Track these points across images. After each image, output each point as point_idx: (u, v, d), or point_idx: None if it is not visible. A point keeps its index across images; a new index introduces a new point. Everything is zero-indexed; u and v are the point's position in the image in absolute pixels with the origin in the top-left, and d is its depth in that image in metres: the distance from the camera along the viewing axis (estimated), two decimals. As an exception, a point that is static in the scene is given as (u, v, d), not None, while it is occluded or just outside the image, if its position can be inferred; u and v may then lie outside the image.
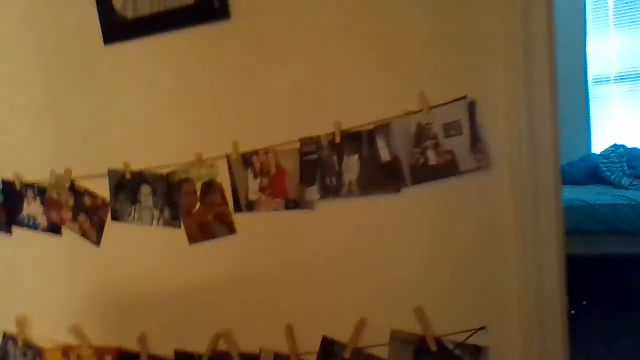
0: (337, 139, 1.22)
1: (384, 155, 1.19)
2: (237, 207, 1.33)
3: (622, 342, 2.47)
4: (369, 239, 1.24)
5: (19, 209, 1.60)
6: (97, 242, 1.51)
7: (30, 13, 1.48)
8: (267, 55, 1.25)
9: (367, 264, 1.25)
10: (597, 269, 2.96)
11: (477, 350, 1.21)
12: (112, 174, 1.45)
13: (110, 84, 1.41)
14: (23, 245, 1.63)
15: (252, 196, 1.31)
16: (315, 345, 1.31)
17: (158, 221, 1.42)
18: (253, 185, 1.30)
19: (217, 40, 1.28)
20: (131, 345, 1.52)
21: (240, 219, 1.34)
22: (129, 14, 1.31)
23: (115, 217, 1.47)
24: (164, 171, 1.39)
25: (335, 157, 1.23)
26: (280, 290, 1.34)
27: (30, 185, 1.57)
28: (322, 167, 1.24)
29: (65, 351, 1.60)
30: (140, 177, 1.41)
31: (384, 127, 1.19)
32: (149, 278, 1.49)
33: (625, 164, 3.20)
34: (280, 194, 1.28)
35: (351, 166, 1.22)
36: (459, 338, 1.22)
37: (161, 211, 1.41)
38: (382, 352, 1.27)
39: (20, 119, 1.56)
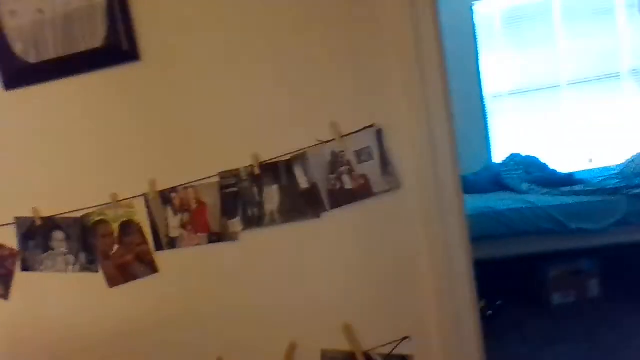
0: (257, 171, 1.25)
1: (303, 183, 1.25)
2: (158, 246, 1.31)
3: (534, 337, 2.70)
4: (293, 265, 1.28)
5: None
6: (5, 295, 1.41)
7: None
8: (179, 93, 1.27)
9: (292, 289, 1.29)
10: (509, 270, 3.21)
11: (404, 359, 1.29)
12: (20, 221, 1.37)
13: (15, 129, 1.35)
14: None
15: (174, 233, 1.30)
16: (248, 375, 1.32)
17: (74, 267, 1.36)
18: (174, 222, 1.30)
19: (128, 81, 1.27)
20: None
21: (162, 258, 1.32)
22: (32, 58, 1.27)
23: (25, 268, 1.38)
24: (78, 214, 1.34)
25: (255, 189, 1.26)
26: (209, 324, 1.33)
27: None
28: (243, 199, 1.27)
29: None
30: (51, 223, 1.35)
31: (300, 157, 1.24)
32: (66, 327, 1.41)
33: (522, 171, 3.52)
34: (203, 228, 1.29)
35: (272, 196, 1.26)
36: (386, 350, 1.28)
37: (76, 256, 1.36)
38: (315, 372, 1.30)
39: None
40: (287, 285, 1.29)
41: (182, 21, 1.24)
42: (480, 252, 2.99)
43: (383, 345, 1.28)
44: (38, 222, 1.35)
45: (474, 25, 3.99)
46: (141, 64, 1.26)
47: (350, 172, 1.23)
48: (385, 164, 1.23)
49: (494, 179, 3.55)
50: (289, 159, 1.24)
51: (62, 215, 1.35)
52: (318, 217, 1.25)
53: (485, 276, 2.88)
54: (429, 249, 1.25)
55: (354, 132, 1.22)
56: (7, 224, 1.38)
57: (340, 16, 1.21)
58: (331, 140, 1.23)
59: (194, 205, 1.28)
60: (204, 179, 1.27)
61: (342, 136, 1.23)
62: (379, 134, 1.22)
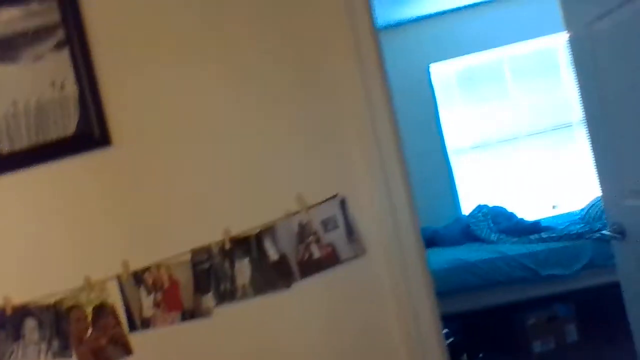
0: (227, 245, 1.30)
1: (272, 254, 1.29)
2: (132, 327, 1.32)
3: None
4: (266, 338, 1.30)
5: None
6: (-27, 390, 1.37)
7: None
8: (149, 173, 1.33)
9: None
10: (487, 322, 3.24)
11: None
12: (-11, 312, 1.36)
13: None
14: None
15: (147, 313, 1.31)
16: None
17: (46, 354, 1.35)
18: (147, 302, 1.31)
19: (100, 165, 1.32)
20: None
21: (136, 339, 1.32)
22: (5, 148, 1.32)
23: (-4, 359, 1.36)
24: (51, 300, 1.34)
25: (227, 263, 1.30)
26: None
27: None
28: (215, 274, 1.30)
29: None
30: (23, 311, 1.34)
31: (269, 229, 1.30)
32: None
33: (490, 221, 3.64)
34: (176, 306, 1.31)
35: (243, 270, 1.30)
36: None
37: (49, 343, 1.34)
38: None
39: None
40: (258, 356, 1.30)
41: (149, 106, 1.32)
42: (456, 305, 3.05)
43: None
44: (9, 311, 1.35)
45: (432, 85, 4.24)
46: (112, 148, 1.32)
47: (317, 241, 1.29)
48: (350, 231, 1.29)
49: (464, 231, 3.65)
50: (258, 232, 1.30)
51: (34, 303, 1.35)
52: (289, 287, 1.29)
53: (465, 330, 2.92)
54: (397, 311, 1.29)
55: (319, 203, 1.30)
56: (-24, 315, 1.36)
57: (304, 95, 1.32)
58: (298, 211, 1.29)
59: (166, 284, 1.31)
60: (175, 256, 1.31)
61: (309, 207, 1.29)
62: (343, 203, 1.30)
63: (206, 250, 1.30)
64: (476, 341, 3.04)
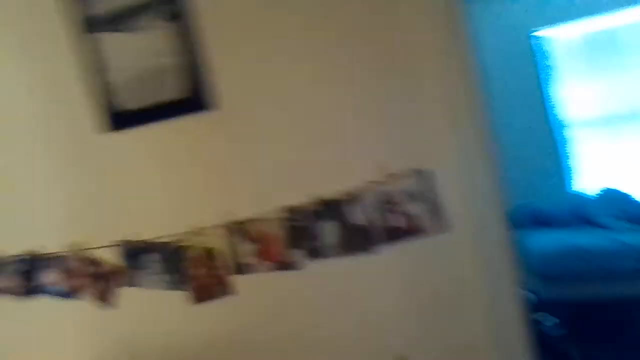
0: (319, 208, 1.41)
1: (358, 220, 1.38)
2: (234, 270, 1.51)
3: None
4: (348, 295, 1.40)
5: (37, 278, 1.79)
6: (111, 305, 1.68)
7: (44, 109, 1.72)
8: (251, 137, 1.47)
9: (347, 317, 1.41)
10: (600, 313, 3.02)
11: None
12: (124, 244, 1.64)
13: (117, 166, 1.63)
14: (45, 311, 1.80)
15: (247, 260, 1.49)
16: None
17: (166, 285, 1.60)
18: (248, 251, 1.49)
19: (207, 126, 1.50)
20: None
21: (236, 281, 1.51)
22: (128, 107, 1.54)
23: (127, 283, 1.65)
24: (171, 240, 1.58)
25: (317, 224, 1.41)
26: (275, 341, 1.49)
27: (49, 256, 1.76)
28: (306, 233, 1.43)
29: (81, 409, 1.74)
30: (150, 246, 1.60)
31: (358, 196, 1.38)
32: (157, 336, 1.65)
33: (608, 205, 3.32)
34: (271, 257, 1.46)
35: (331, 231, 1.41)
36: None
37: (168, 276, 1.59)
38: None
39: (41, 199, 1.77)
40: (343, 313, 1.41)
41: (250, 77, 1.46)
42: (564, 292, 2.88)
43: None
44: (139, 245, 1.62)
45: (540, 53, 3.87)
46: (217, 112, 1.49)
47: (402, 212, 1.34)
48: (434, 205, 1.33)
49: (575, 212, 3.38)
50: (347, 198, 1.38)
51: (158, 240, 1.60)
52: (372, 252, 1.37)
53: (574, 320, 2.75)
54: (478, 286, 1.31)
55: (407, 175, 1.34)
56: (114, 245, 1.66)
57: (394, 66, 1.35)
58: (386, 181, 1.35)
59: (265, 237, 1.46)
60: (274, 213, 1.45)
61: (396, 178, 1.34)
62: (430, 176, 1.33)
63: (300, 210, 1.43)
64: (586, 333, 2.86)
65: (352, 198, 1.38)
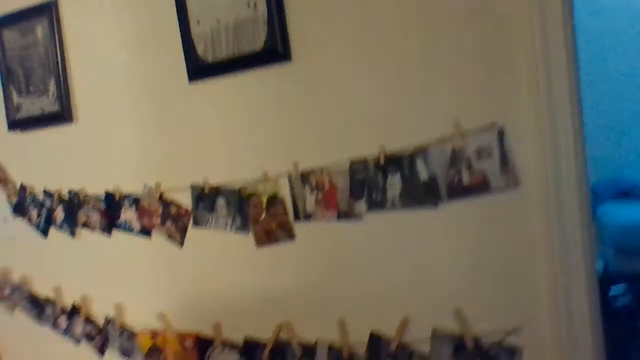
0: (382, 161, 1.43)
1: (423, 174, 1.39)
2: (297, 217, 1.57)
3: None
4: (410, 247, 1.43)
5: (117, 215, 1.95)
6: (181, 243, 1.81)
7: (131, 60, 1.81)
8: (321, 89, 1.49)
9: (408, 269, 1.45)
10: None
11: (512, 350, 1.36)
12: (194, 187, 1.75)
13: (193, 114, 1.71)
14: (122, 246, 1.97)
15: (309, 208, 1.55)
16: (364, 338, 1.52)
17: (231, 227, 1.70)
18: (310, 199, 1.54)
19: (281, 77, 1.53)
20: (207, 331, 1.81)
21: (299, 227, 1.58)
22: (209, 58, 1.60)
23: (195, 223, 1.76)
24: (237, 186, 1.66)
25: (380, 176, 1.44)
26: (333, 288, 1.57)
27: (127, 196, 1.91)
28: (368, 184, 1.45)
29: (154, 334, 1.92)
30: (217, 191, 1.70)
31: (423, 151, 1.38)
32: (222, 274, 1.77)
33: None
34: (333, 206, 1.51)
35: (394, 184, 1.42)
36: (496, 338, 1.38)
37: (233, 219, 1.69)
38: (424, 348, 1.45)
39: (120, 143, 1.90)
40: (403, 264, 1.45)
41: (328, 30, 1.46)
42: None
43: (494, 334, 1.37)
44: (207, 190, 1.71)
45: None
46: (292, 63, 1.51)
47: (469, 167, 1.34)
48: (504, 162, 1.30)
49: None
50: (412, 152, 1.39)
51: (224, 186, 1.68)
52: (435, 206, 1.38)
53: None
54: (546, 247, 1.30)
55: (476, 130, 1.32)
56: (184, 189, 1.76)
57: (466, 17, 1.30)
58: (452, 136, 1.34)
59: (327, 186, 1.51)
60: (337, 164, 1.49)
61: (464, 134, 1.33)
62: (501, 132, 1.30)
63: (363, 162, 1.45)
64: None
65: (419, 152, 1.38)
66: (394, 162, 1.41)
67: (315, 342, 1.60)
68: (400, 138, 1.40)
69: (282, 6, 1.48)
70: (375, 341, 1.50)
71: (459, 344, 1.40)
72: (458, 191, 1.35)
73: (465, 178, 1.34)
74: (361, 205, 1.47)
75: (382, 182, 1.44)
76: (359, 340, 1.53)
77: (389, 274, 1.48)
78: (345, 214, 1.49)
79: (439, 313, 1.42)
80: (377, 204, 1.45)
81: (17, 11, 2.05)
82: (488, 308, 1.38)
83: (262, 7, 1.49)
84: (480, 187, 1.33)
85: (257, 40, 1.51)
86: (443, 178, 1.37)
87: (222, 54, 1.58)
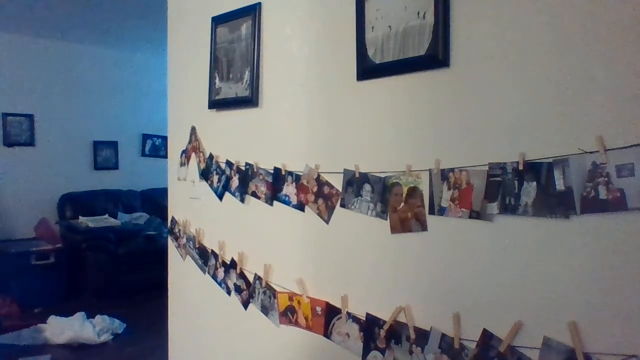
0: (521, 167, 1.58)
1: (559, 185, 1.50)
2: (431, 211, 1.79)
3: None
4: (536, 253, 1.55)
5: (280, 189, 2.38)
6: (327, 220, 2.16)
7: (310, 57, 2.24)
8: (471, 96, 1.69)
9: (530, 274, 1.56)
10: None
11: (626, 376, 1.39)
12: (346, 172, 2.08)
13: (356, 108, 2.06)
14: (279, 215, 2.41)
15: (444, 203, 1.76)
16: (477, 334, 1.67)
17: (372, 212, 1.99)
18: (446, 195, 1.75)
19: (438, 82, 1.78)
20: (336, 302, 2.12)
21: (432, 220, 1.80)
22: (377, 60, 1.93)
23: (342, 205, 2.10)
24: (382, 175, 1.95)
25: (516, 182, 1.59)
26: (454, 282, 1.75)
27: (290, 173, 2.33)
28: (504, 188, 1.61)
29: (291, 296, 2.31)
30: (364, 178, 2.01)
31: (561, 162, 1.49)
32: (359, 254, 2.07)
33: None
34: (466, 205, 1.70)
35: (529, 191, 1.56)
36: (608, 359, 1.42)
37: (375, 205, 1.97)
38: (533, 356, 1.55)
39: (293, 127, 2.34)
40: (526, 268, 1.57)
41: (486, 43, 1.65)
42: None
43: (607, 355, 1.42)
44: (356, 175, 2.03)
45: None
46: (449, 70, 1.74)
47: (606, 184, 1.42)
48: (646, 183, 1.36)
49: None
50: (550, 162, 1.51)
51: (372, 173, 1.98)
52: (567, 217, 1.48)
53: None
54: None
55: (619, 148, 1.40)
56: (338, 173, 2.11)
57: (625, 35, 1.37)
58: (594, 151, 1.44)
59: (463, 185, 1.71)
60: (476, 166, 1.68)
61: (606, 150, 1.42)
62: (646, 154, 1.36)
63: (501, 166, 1.62)
64: None
65: (558, 162, 1.50)
66: (531, 169, 1.55)
67: (430, 329, 1.79)
68: (541, 148, 1.53)
69: (448, 18, 1.72)
70: (487, 338, 1.64)
71: (568, 357, 1.47)
72: (593, 205, 1.44)
73: (602, 193, 1.42)
74: (494, 207, 1.63)
75: (517, 187, 1.58)
76: (470, 336, 1.69)
77: (510, 276, 1.61)
78: (477, 214, 1.67)
79: (552, 324, 1.50)
80: (509, 208, 1.60)
81: (229, 11, 2.66)
82: (607, 328, 1.42)
83: (430, 17, 1.76)
84: (617, 204, 1.40)
85: (421, 46, 1.79)
86: (579, 191, 1.46)
87: (389, 57, 1.89)
